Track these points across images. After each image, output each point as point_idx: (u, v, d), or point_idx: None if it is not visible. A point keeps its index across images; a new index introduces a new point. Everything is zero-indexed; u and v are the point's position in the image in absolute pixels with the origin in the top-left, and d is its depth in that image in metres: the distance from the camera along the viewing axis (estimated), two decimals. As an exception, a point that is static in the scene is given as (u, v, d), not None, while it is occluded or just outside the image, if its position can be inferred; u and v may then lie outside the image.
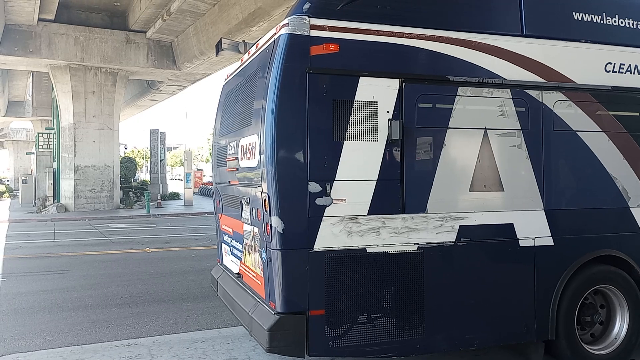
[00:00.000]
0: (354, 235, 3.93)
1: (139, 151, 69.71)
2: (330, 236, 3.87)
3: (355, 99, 3.95)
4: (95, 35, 23.94)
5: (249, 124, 4.40)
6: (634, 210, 4.72)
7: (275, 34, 4.09)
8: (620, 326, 4.69)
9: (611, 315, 4.75)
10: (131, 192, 29.00)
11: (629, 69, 4.76)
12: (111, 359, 5.09)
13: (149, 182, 33.90)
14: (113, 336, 6.00)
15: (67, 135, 24.74)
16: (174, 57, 25.47)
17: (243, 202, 4.67)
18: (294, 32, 3.88)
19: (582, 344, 4.56)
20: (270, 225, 3.86)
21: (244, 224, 4.65)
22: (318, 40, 3.90)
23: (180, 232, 17.02)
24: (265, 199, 3.93)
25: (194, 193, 32.47)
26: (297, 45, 3.88)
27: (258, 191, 4.13)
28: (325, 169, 3.88)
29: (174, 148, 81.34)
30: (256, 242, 4.31)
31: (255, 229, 4.30)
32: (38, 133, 33.08)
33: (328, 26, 3.94)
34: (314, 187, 3.84)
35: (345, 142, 3.93)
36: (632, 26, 4.85)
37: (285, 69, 3.84)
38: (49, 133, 30.65)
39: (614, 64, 4.71)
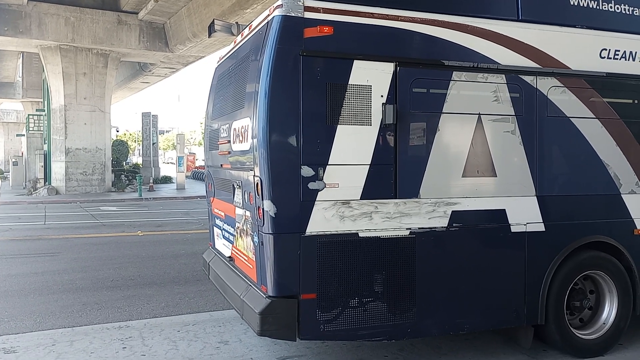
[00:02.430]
0: (346, 219, 3.92)
1: (131, 134, 69.26)
2: (323, 220, 3.86)
3: (349, 83, 3.92)
4: (86, 15, 23.62)
5: (242, 107, 4.35)
6: (625, 197, 4.74)
7: (268, 15, 4.03)
8: (609, 311, 4.74)
9: (600, 300, 4.79)
10: (123, 175, 28.88)
11: (624, 55, 4.74)
12: (102, 341, 5.09)
13: (141, 166, 33.75)
14: (104, 318, 6.00)
15: (57, 117, 24.51)
16: (167, 39, 25.20)
17: (235, 185, 4.65)
18: (288, 14, 3.83)
19: (571, 328, 4.61)
20: (263, 209, 3.84)
21: (236, 208, 4.63)
22: (312, 23, 3.84)
23: (172, 215, 16.99)
24: (257, 183, 3.91)
25: (187, 177, 32.37)
26: (290, 27, 3.83)
27: (250, 175, 4.10)
28: (318, 153, 3.85)
29: (166, 131, 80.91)
30: (248, 226, 4.29)
31: (247, 213, 4.28)
32: (28, 115, 32.79)
33: (322, 8, 3.89)
34: (306, 171, 3.82)
35: (339, 126, 3.90)
36: (627, 12, 4.82)
37: (279, 52, 3.79)
38: (40, 115, 30.37)
39: (609, 50, 4.69)
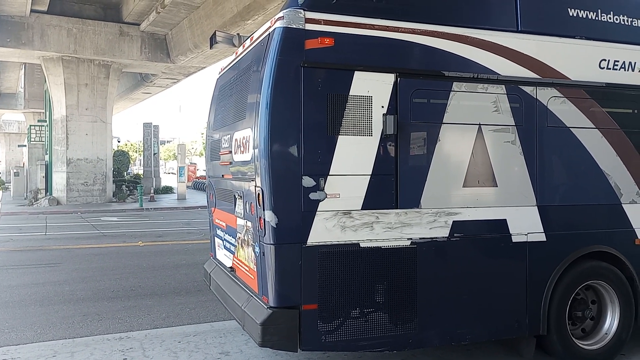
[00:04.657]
0: (347, 230, 3.92)
1: (132, 145, 69.43)
2: (324, 231, 3.86)
3: (350, 94, 3.94)
4: (88, 27, 23.76)
5: (243, 117, 4.38)
6: (625, 207, 4.74)
7: (270, 27, 4.07)
8: (611, 322, 4.72)
9: (602, 310, 4.78)
10: (124, 186, 28.89)
11: (623, 66, 4.77)
12: (103, 352, 5.07)
13: (142, 176, 33.78)
14: (105, 330, 5.98)
15: (59, 128, 24.59)
16: (168, 50, 25.34)
17: (236, 196, 4.66)
18: (289, 26, 3.86)
19: (573, 339, 4.59)
20: (264, 219, 3.85)
21: (238, 218, 4.64)
22: (313, 34, 3.88)
23: (173, 226, 16.97)
24: (258, 193, 3.92)
25: (188, 187, 32.36)
26: (292, 38, 3.86)
27: (252, 185, 4.11)
28: (319, 164, 3.86)
29: (167, 142, 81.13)
30: (249, 237, 4.30)
31: (249, 223, 4.29)
32: (30, 125, 32.87)
33: (323, 20, 3.92)
34: (307, 181, 3.83)
35: (340, 137, 3.91)
36: (626, 23, 4.86)
37: (280, 63, 3.82)
38: (41, 125, 30.45)
39: (609, 60, 4.72)
